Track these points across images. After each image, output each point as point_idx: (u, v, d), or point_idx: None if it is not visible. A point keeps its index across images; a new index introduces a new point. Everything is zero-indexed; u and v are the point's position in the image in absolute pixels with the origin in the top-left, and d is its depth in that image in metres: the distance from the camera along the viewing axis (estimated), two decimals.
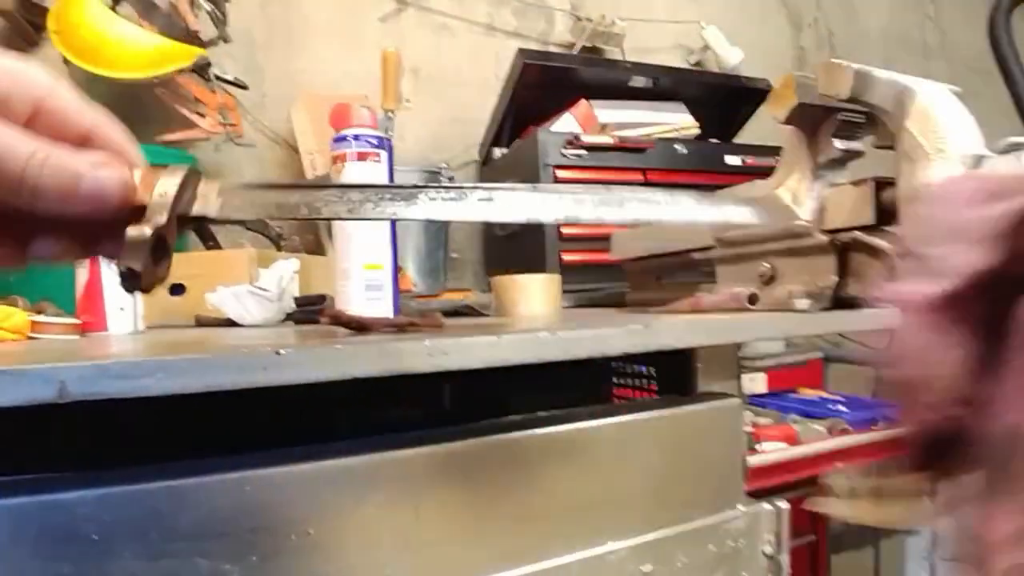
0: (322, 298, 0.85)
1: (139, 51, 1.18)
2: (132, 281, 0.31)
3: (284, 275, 0.85)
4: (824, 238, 0.66)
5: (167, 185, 0.32)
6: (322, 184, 0.36)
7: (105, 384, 0.38)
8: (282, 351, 0.41)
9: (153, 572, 0.42)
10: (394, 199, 0.34)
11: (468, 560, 0.54)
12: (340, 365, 0.43)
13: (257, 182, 0.36)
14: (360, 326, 0.58)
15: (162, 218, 0.31)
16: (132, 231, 0.31)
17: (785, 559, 0.72)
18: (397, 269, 0.75)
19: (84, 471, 0.43)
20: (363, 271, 0.71)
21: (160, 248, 0.31)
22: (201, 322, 0.91)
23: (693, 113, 1.52)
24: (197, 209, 0.34)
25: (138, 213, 0.32)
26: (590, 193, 0.37)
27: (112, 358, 0.40)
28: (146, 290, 0.32)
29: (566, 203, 0.36)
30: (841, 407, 1.37)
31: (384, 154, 0.73)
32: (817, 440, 1.18)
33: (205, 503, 0.44)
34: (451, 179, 1.35)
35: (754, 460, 1.05)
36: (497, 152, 1.49)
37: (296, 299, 0.86)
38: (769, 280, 0.72)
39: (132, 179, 0.32)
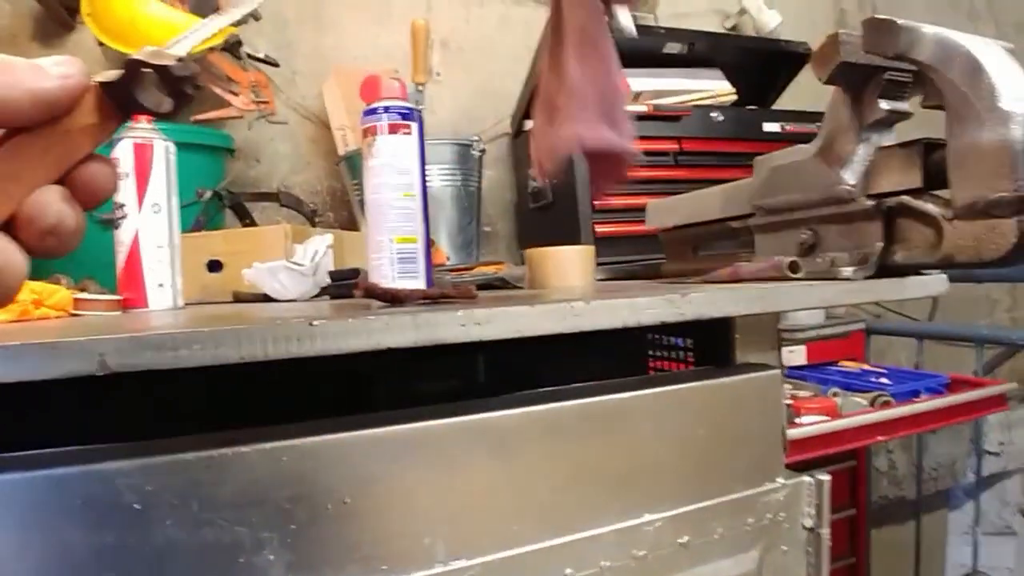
0: (356, 272, 0.85)
1: (171, 31, 1.19)
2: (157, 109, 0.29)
3: (319, 250, 0.85)
4: (869, 203, 0.64)
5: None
6: None
7: (142, 356, 0.38)
8: (315, 322, 0.41)
9: (194, 540, 0.43)
10: None
11: (505, 530, 0.54)
12: (373, 335, 0.43)
13: None
14: (394, 298, 0.58)
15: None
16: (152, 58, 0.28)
17: (826, 532, 0.70)
18: (430, 242, 0.74)
19: (125, 442, 0.44)
20: (395, 244, 0.70)
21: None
22: (238, 298, 0.92)
23: (730, 79, 1.48)
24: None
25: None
26: None
27: (149, 331, 0.40)
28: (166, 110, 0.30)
29: None
30: (884, 379, 1.34)
31: (415, 126, 0.73)
32: (859, 413, 1.15)
33: (244, 473, 0.44)
34: (483, 152, 1.34)
35: (794, 433, 1.04)
36: (528, 124, 1.47)
37: (331, 273, 0.87)
38: (810, 248, 0.70)
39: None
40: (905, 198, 0.62)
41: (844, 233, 0.67)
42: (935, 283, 0.66)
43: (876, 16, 0.60)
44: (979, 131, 0.56)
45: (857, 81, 0.64)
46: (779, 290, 0.59)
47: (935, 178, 0.60)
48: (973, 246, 0.58)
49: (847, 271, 0.63)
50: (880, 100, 0.64)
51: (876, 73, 0.63)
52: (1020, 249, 0.56)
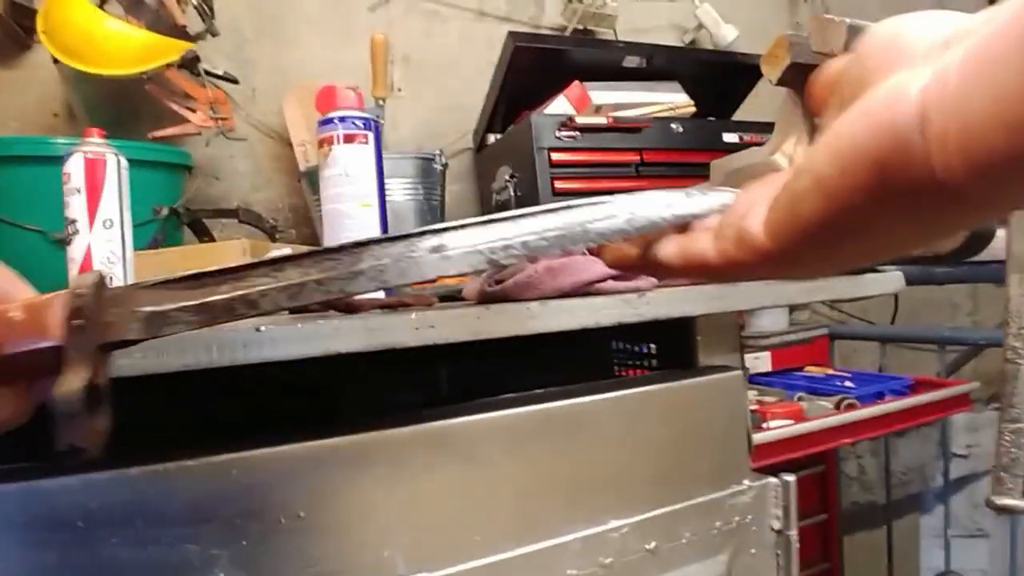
0: None
1: (127, 47, 1.17)
2: (76, 455, 0.28)
3: None
4: None
5: (76, 312, 0.28)
6: (250, 264, 0.31)
7: None
8: (262, 328, 0.40)
9: (140, 559, 0.41)
10: (337, 270, 0.30)
11: (467, 540, 0.53)
12: (323, 341, 0.42)
13: (172, 277, 0.31)
14: (349, 307, 0.57)
15: (82, 364, 0.28)
16: (60, 401, 0.27)
17: (794, 534, 0.70)
18: None
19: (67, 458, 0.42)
20: None
21: (93, 398, 0.28)
22: None
23: (689, 92, 1.50)
24: (118, 334, 0.29)
25: (48, 357, 0.28)
26: (545, 215, 0.33)
27: None
28: (93, 452, 0.28)
29: (522, 228, 0.32)
30: (848, 383, 1.35)
31: (372, 136, 0.72)
32: (824, 416, 1.16)
33: (191, 488, 0.43)
34: (445, 166, 1.33)
35: (760, 437, 1.04)
36: (491, 138, 1.47)
37: None
38: None
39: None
40: None
41: None
42: (891, 280, 0.66)
43: (823, 15, 0.61)
44: None
45: (807, 81, 0.65)
46: (737, 289, 0.59)
47: None
48: None
49: None
50: None
51: None
52: (973, 241, 0.58)
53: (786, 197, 0.28)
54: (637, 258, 0.36)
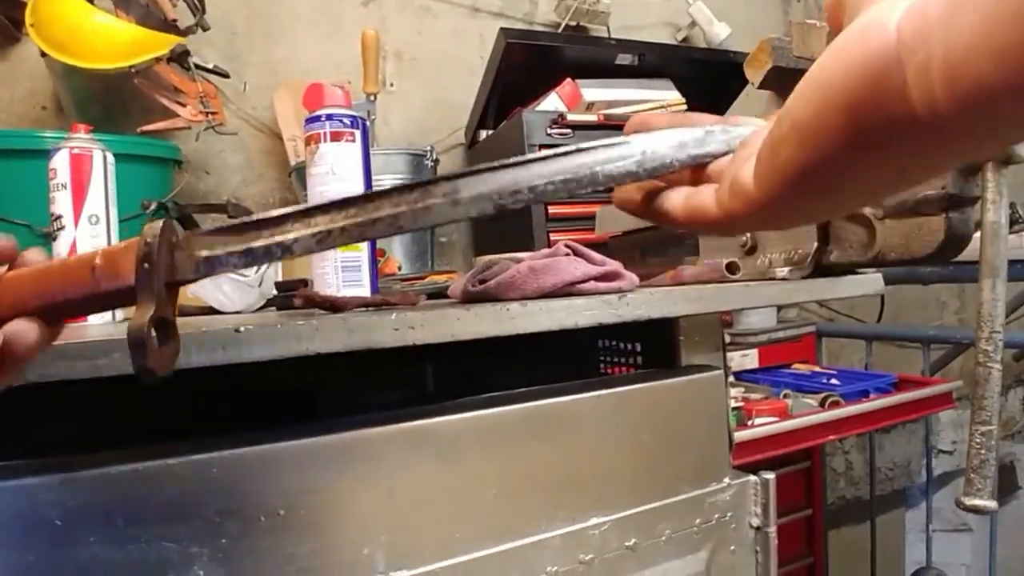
0: (304, 283, 0.84)
1: (116, 41, 1.17)
2: (147, 374, 0.31)
3: None
4: None
5: (145, 256, 0.32)
6: (285, 214, 0.35)
7: (57, 366, 0.37)
8: (241, 328, 0.41)
9: (120, 557, 0.42)
10: (359, 217, 0.33)
11: (448, 538, 0.53)
12: (302, 341, 0.42)
13: (222, 225, 0.36)
14: (333, 306, 0.57)
15: (151, 301, 0.32)
16: (132, 331, 0.31)
17: (773, 531, 0.71)
18: (376, 251, 0.74)
19: (46, 456, 0.43)
20: (339, 253, 0.70)
21: (162, 328, 0.32)
22: (183, 311, 0.90)
23: (680, 90, 1.50)
24: (180, 275, 0.34)
25: (125, 295, 0.33)
26: (556, 159, 0.34)
27: (68, 341, 0.39)
28: (162, 373, 0.32)
29: (531, 172, 0.33)
30: (834, 380, 1.37)
31: (359, 134, 0.72)
32: (808, 413, 1.17)
33: (171, 486, 0.43)
34: (436, 162, 1.34)
35: (744, 434, 1.05)
36: (483, 134, 1.47)
37: (277, 284, 0.85)
38: (751, 250, 0.72)
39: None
40: None
41: (782, 234, 0.68)
42: (870, 282, 0.67)
43: (805, 20, 0.61)
44: None
45: (790, 85, 0.65)
46: (718, 291, 0.60)
47: None
48: (904, 243, 0.60)
49: (783, 271, 0.64)
50: None
51: None
52: (949, 244, 0.58)
53: (768, 144, 0.28)
54: (642, 204, 0.36)
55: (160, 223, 0.34)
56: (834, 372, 1.45)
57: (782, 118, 0.27)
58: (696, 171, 0.34)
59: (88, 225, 0.75)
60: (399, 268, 1.19)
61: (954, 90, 0.20)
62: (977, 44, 0.19)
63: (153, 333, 0.31)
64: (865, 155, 0.24)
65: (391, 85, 1.55)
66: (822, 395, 1.25)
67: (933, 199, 0.57)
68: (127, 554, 0.42)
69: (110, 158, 0.77)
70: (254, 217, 0.35)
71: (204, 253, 0.34)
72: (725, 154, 0.33)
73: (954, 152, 0.24)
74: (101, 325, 0.73)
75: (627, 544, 0.61)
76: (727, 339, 1.24)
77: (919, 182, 0.30)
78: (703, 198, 0.33)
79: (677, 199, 0.34)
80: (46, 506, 0.40)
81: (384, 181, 1.20)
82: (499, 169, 0.33)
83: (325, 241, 0.34)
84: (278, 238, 0.34)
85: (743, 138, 0.33)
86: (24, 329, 0.31)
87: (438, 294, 0.92)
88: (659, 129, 0.36)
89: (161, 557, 0.42)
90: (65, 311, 0.34)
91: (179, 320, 0.34)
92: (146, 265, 0.33)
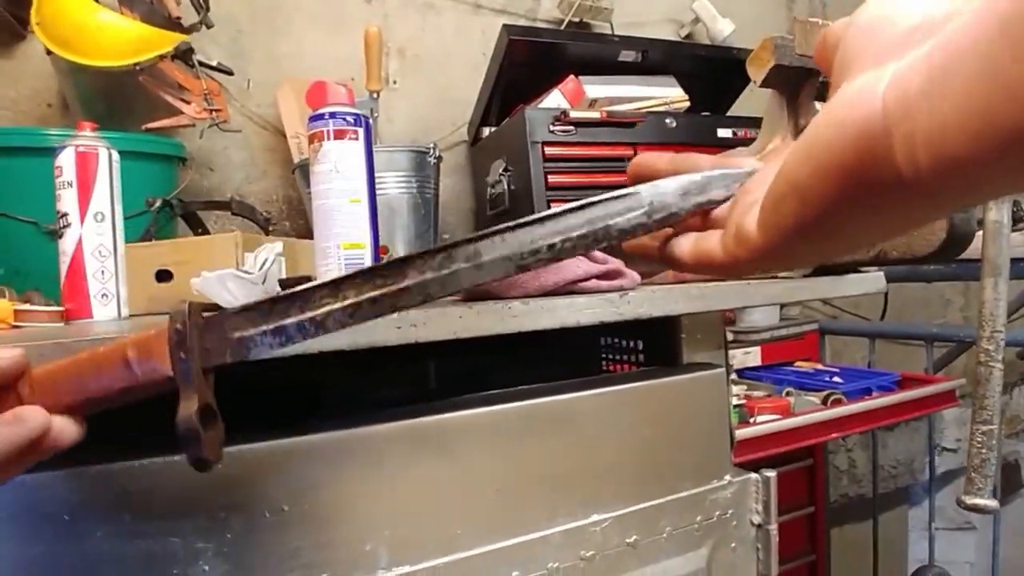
0: (307, 279, 0.84)
1: (120, 39, 1.17)
2: (202, 465, 0.33)
3: (268, 258, 0.84)
4: None
5: (180, 341, 0.33)
6: (313, 287, 0.36)
7: None
8: None
9: (126, 551, 0.42)
10: (387, 288, 0.34)
11: (450, 534, 0.53)
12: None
13: (250, 303, 0.36)
14: None
15: (193, 391, 0.33)
16: (182, 423, 0.32)
17: (774, 528, 0.71)
18: (378, 248, 0.74)
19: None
20: (342, 250, 0.70)
21: (206, 416, 0.33)
22: None
23: (684, 86, 1.50)
24: (216, 360, 0.34)
25: (164, 386, 0.34)
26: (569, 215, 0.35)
27: (75, 338, 0.40)
28: (215, 461, 0.34)
29: (547, 229, 0.35)
30: (836, 378, 1.37)
31: (362, 131, 0.72)
32: (811, 411, 1.17)
33: (176, 482, 0.43)
34: (440, 159, 1.34)
35: (746, 432, 1.05)
36: (486, 131, 1.47)
37: (280, 281, 0.86)
38: None
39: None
40: None
41: None
42: (872, 280, 0.67)
43: (808, 19, 0.61)
44: None
45: (792, 83, 0.66)
46: (719, 289, 0.60)
47: None
48: (906, 242, 0.60)
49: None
50: (816, 102, 0.66)
51: (810, 75, 0.65)
52: (951, 244, 0.58)
53: (769, 198, 0.30)
54: (657, 251, 0.38)
55: (186, 306, 0.35)
56: (837, 370, 1.46)
57: (780, 177, 0.28)
58: (701, 216, 0.36)
59: (94, 222, 0.75)
60: None
61: (935, 158, 0.22)
62: (953, 124, 0.21)
63: (200, 424, 0.32)
64: (857, 213, 0.26)
65: (394, 82, 1.55)
66: (824, 393, 1.25)
67: None
68: (134, 548, 0.42)
69: (115, 156, 0.78)
70: (283, 293, 0.35)
71: (237, 335, 0.35)
72: (726, 199, 0.35)
73: (937, 208, 0.26)
74: (107, 322, 0.74)
75: (628, 541, 0.62)
76: (729, 337, 1.24)
77: (908, 232, 0.32)
78: (710, 244, 0.34)
79: (686, 245, 0.36)
80: (54, 500, 0.41)
81: (387, 178, 1.21)
82: (516, 229, 0.34)
83: (356, 314, 0.34)
84: (310, 314, 0.34)
85: (743, 183, 0.34)
86: (67, 429, 0.33)
87: None
88: (660, 170, 0.37)
89: (167, 551, 0.43)
90: (103, 405, 0.35)
91: None
92: (182, 355, 0.33)
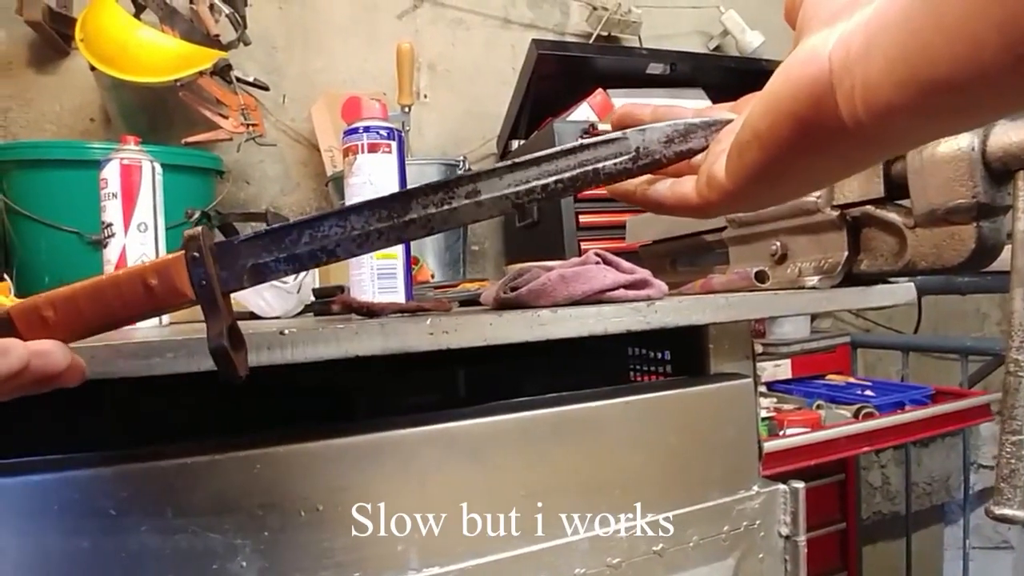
0: (340, 289, 0.86)
1: (161, 56, 1.21)
2: (233, 378, 0.35)
3: None
4: (834, 214, 0.66)
5: (197, 267, 0.35)
6: (320, 216, 0.37)
7: (116, 364, 0.39)
8: (286, 331, 0.43)
9: (168, 546, 0.44)
10: (392, 220, 0.35)
11: (478, 537, 0.54)
12: (342, 344, 0.44)
13: (259, 232, 0.37)
14: (370, 311, 0.59)
15: (218, 313, 0.35)
16: (211, 341, 0.34)
17: (802, 540, 0.71)
18: (410, 258, 0.76)
19: (102, 450, 0.45)
20: (375, 260, 0.72)
21: (234, 335, 0.35)
22: None
23: (712, 99, 1.50)
24: (233, 285, 0.36)
25: (184, 306, 0.35)
26: (562, 157, 0.37)
27: (125, 341, 0.42)
28: (243, 375, 0.35)
29: (542, 169, 0.37)
30: (868, 392, 1.35)
31: (395, 145, 0.74)
32: (841, 424, 1.16)
33: (217, 480, 0.45)
34: (469, 172, 1.36)
35: (776, 444, 1.04)
36: (515, 144, 1.49)
37: (314, 291, 0.88)
38: (781, 259, 0.72)
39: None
40: (869, 208, 0.64)
41: (812, 243, 0.68)
42: (902, 292, 0.67)
43: None
44: (936, 142, 0.57)
45: None
46: (746, 299, 0.60)
47: (896, 188, 0.62)
48: (935, 252, 0.60)
49: (812, 280, 0.64)
50: None
51: None
52: (980, 254, 0.58)
53: (735, 146, 0.34)
54: (637, 192, 0.42)
55: (198, 231, 0.36)
56: (869, 384, 1.44)
57: (745, 126, 0.32)
58: (679, 164, 0.39)
59: (137, 233, 0.78)
60: (432, 276, 1.22)
61: (869, 109, 0.26)
62: (883, 77, 0.25)
63: (228, 344, 0.34)
64: (809, 157, 0.31)
65: (425, 96, 1.58)
66: (856, 406, 1.24)
67: (964, 208, 0.57)
68: (175, 543, 0.44)
69: (158, 168, 0.81)
70: (292, 221, 0.37)
71: (252, 262, 0.36)
72: (704, 148, 0.38)
73: (875, 152, 0.31)
74: (149, 328, 0.76)
75: (655, 549, 0.62)
76: (759, 349, 1.23)
77: (851, 175, 0.41)
78: (685, 189, 0.39)
79: (663, 190, 0.40)
80: (101, 496, 0.43)
81: None
82: (513, 168, 0.36)
83: (364, 244, 0.36)
84: (320, 243, 0.36)
85: (718, 130, 0.38)
86: (54, 360, 0.34)
87: (470, 301, 0.94)
88: (644, 120, 0.42)
89: (207, 547, 0.44)
90: (121, 324, 0.37)
91: None
92: (203, 280, 0.35)
